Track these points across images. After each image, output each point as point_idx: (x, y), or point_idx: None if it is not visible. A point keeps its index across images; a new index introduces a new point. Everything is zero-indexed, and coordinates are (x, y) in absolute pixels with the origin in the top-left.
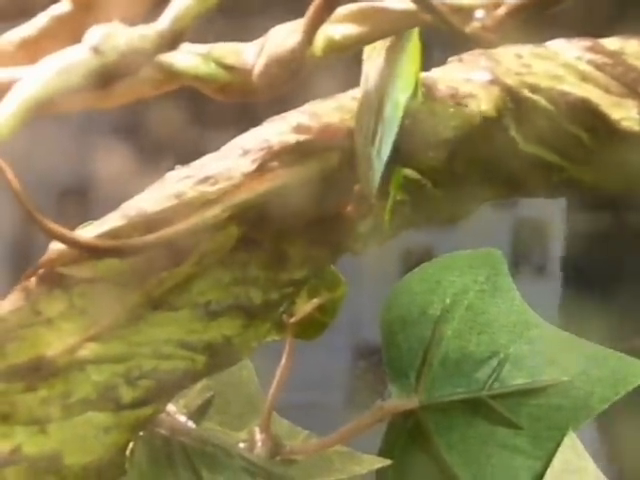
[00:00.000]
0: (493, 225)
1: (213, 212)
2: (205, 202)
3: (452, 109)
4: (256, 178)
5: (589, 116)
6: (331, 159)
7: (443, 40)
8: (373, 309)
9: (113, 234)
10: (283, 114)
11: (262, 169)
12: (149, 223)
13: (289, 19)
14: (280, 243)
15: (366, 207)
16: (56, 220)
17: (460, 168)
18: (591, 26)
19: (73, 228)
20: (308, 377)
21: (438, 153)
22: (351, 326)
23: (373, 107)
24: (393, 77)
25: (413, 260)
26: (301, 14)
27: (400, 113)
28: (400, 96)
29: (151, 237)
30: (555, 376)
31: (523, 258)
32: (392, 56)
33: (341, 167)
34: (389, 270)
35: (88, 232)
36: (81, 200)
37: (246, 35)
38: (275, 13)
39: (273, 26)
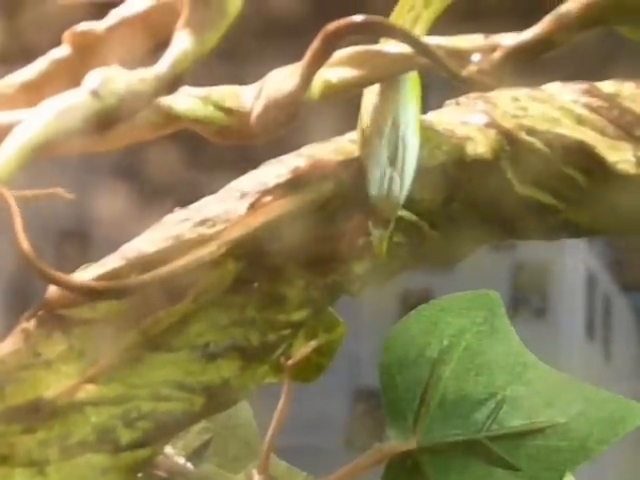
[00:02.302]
0: (492, 268)
1: (209, 249)
2: (201, 241)
3: (442, 136)
4: (251, 214)
5: (585, 159)
6: (324, 189)
7: (440, 84)
8: (371, 352)
9: (112, 275)
10: (280, 157)
11: (256, 205)
12: (147, 263)
13: (286, 63)
14: (277, 284)
15: (363, 240)
16: (56, 262)
17: (457, 210)
18: (585, 69)
19: (73, 270)
20: (306, 420)
21: (433, 180)
22: (349, 369)
23: (383, 132)
24: (403, 103)
25: (412, 304)
26: (298, 58)
27: (418, 138)
28: (416, 122)
29: (147, 276)
30: (553, 417)
31: (522, 301)
32: (396, 84)
33: (335, 197)
34: (387, 314)
35: (87, 274)
36: (81, 242)
37: (243, 79)
38: (272, 57)
39: (270, 70)
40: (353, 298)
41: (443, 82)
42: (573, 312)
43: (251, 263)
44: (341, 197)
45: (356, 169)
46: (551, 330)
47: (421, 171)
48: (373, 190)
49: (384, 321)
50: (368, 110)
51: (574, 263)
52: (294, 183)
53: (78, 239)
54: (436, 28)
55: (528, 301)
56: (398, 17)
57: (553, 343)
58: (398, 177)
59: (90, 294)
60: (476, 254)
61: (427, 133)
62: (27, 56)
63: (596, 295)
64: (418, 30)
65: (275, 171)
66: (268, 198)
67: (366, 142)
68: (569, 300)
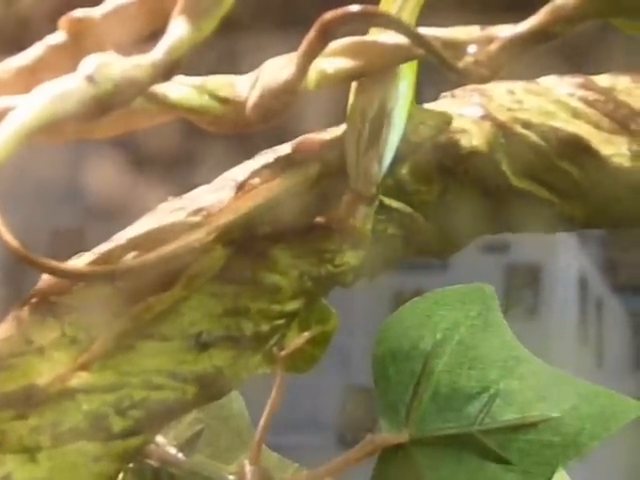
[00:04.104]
0: (484, 269)
1: (197, 235)
2: (192, 227)
3: (428, 113)
4: (239, 198)
5: (580, 152)
6: (310, 170)
7: (435, 76)
8: (362, 351)
9: (103, 260)
10: (275, 147)
11: (243, 187)
12: (137, 245)
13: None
14: (271, 273)
15: (353, 222)
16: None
17: (451, 202)
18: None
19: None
20: (296, 418)
21: (421, 154)
22: (340, 368)
23: (366, 112)
24: (394, 82)
25: (403, 303)
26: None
27: (405, 117)
28: (405, 102)
29: (135, 261)
30: (545, 412)
31: (514, 302)
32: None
33: (322, 178)
34: (379, 314)
35: (80, 262)
36: (74, 238)
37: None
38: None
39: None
40: (346, 291)
41: (438, 74)
42: (565, 313)
43: (242, 249)
44: (328, 178)
45: (341, 150)
46: (543, 330)
47: (405, 147)
48: (350, 169)
49: (375, 321)
50: (354, 90)
51: (566, 264)
52: (280, 164)
53: (71, 234)
54: (431, 19)
55: (520, 302)
56: (384, 5)
57: (545, 343)
58: (377, 155)
59: (79, 278)
60: (469, 254)
61: (411, 110)
62: (24, 41)
63: (588, 296)
64: (404, 18)
65: (269, 161)
66: (256, 180)
67: (348, 122)
68: (561, 301)
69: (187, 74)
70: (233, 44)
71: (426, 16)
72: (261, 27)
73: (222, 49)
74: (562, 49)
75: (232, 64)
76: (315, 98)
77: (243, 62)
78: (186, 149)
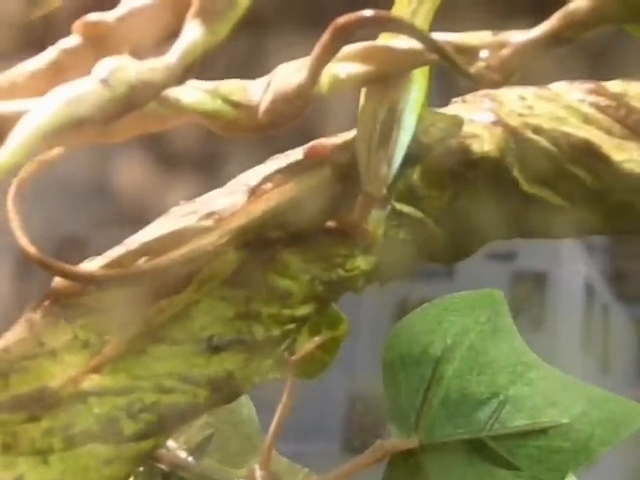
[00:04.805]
0: (490, 277)
1: (209, 239)
2: (204, 231)
3: (438, 115)
4: (252, 202)
5: (591, 158)
6: (322, 174)
7: (446, 81)
8: (368, 359)
9: (115, 265)
10: (287, 152)
11: (255, 192)
12: (149, 250)
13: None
14: (281, 277)
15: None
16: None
17: (462, 207)
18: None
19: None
20: (303, 425)
21: (432, 159)
22: (346, 375)
23: (378, 115)
24: (405, 86)
25: (410, 311)
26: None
27: (415, 119)
28: (417, 105)
29: (147, 265)
30: (555, 418)
31: (520, 310)
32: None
33: (333, 182)
34: (385, 322)
35: (92, 265)
36: (82, 246)
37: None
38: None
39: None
40: (352, 297)
41: (449, 80)
42: (571, 320)
43: (253, 253)
44: (340, 182)
45: (352, 153)
46: (549, 337)
47: (416, 148)
48: (361, 171)
49: (381, 327)
50: (365, 91)
51: (572, 272)
52: (292, 168)
53: (79, 243)
54: (443, 24)
55: (526, 310)
56: (397, 10)
57: (551, 350)
58: (387, 156)
59: (91, 282)
60: (475, 262)
61: (422, 113)
62: (36, 46)
63: (594, 303)
64: (418, 23)
65: (281, 165)
66: (268, 185)
67: (359, 123)
68: (567, 308)
69: (211, 73)
70: (258, 43)
71: (440, 20)
72: (286, 26)
73: (247, 48)
74: (575, 55)
75: (258, 63)
76: (343, 101)
77: (269, 61)
78: (212, 148)
